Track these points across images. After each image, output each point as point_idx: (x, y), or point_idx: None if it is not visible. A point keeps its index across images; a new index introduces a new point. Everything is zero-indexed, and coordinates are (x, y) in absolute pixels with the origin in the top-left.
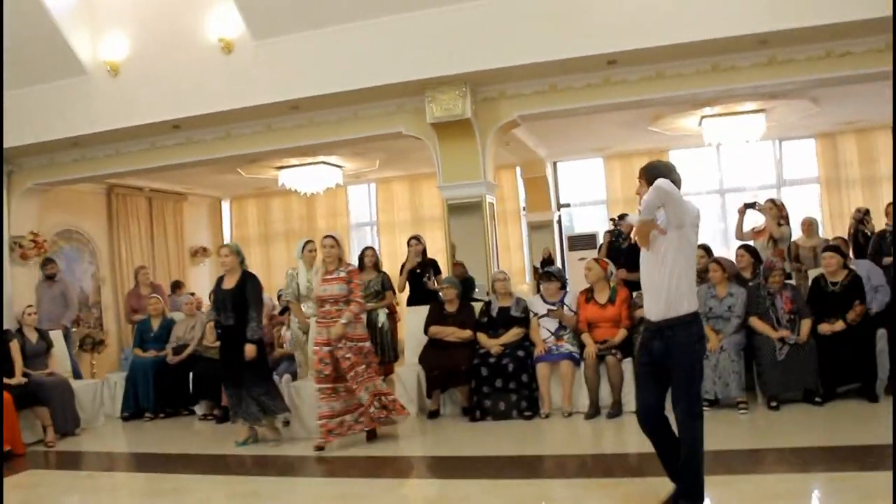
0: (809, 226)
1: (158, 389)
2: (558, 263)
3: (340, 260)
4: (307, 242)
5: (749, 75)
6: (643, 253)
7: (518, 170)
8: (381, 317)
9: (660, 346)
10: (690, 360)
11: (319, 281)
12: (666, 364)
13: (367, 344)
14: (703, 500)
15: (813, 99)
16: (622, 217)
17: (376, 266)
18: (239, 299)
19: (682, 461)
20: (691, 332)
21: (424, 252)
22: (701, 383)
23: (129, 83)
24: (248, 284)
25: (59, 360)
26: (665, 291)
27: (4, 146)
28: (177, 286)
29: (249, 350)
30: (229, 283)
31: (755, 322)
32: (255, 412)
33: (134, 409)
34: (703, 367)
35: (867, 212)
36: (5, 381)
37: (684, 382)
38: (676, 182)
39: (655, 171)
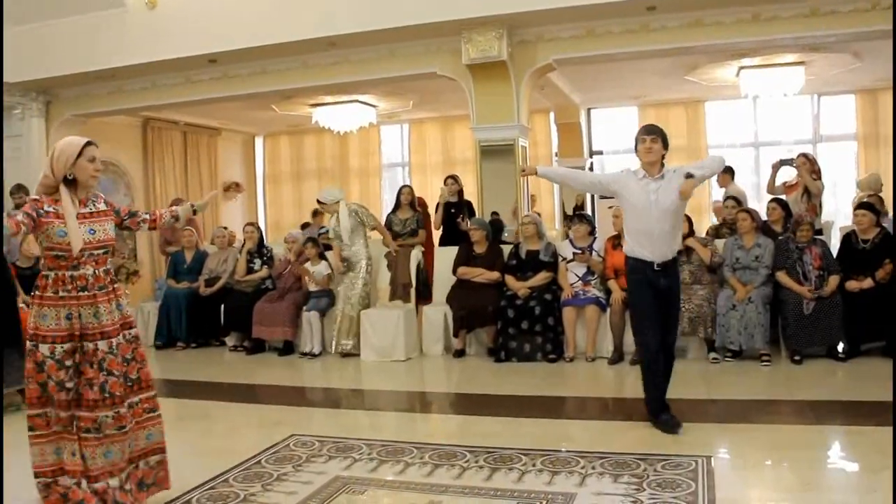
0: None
1: (190, 320)
2: (588, 210)
3: None
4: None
5: (790, 26)
6: (663, 206)
7: (552, 115)
8: (418, 254)
9: (666, 282)
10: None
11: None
12: (668, 297)
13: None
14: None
15: (855, 53)
16: None
17: (412, 204)
18: None
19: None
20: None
21: (461, 193)
22: None
23: (166, 16)
24: None
25: None
26: (672, 238)
27: (43, 76)
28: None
29: None
30: None
31: (781, 277)
32: None
33: (166, 338)
34: None
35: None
36: None
37: (678, 310)
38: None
39: (666, 135)
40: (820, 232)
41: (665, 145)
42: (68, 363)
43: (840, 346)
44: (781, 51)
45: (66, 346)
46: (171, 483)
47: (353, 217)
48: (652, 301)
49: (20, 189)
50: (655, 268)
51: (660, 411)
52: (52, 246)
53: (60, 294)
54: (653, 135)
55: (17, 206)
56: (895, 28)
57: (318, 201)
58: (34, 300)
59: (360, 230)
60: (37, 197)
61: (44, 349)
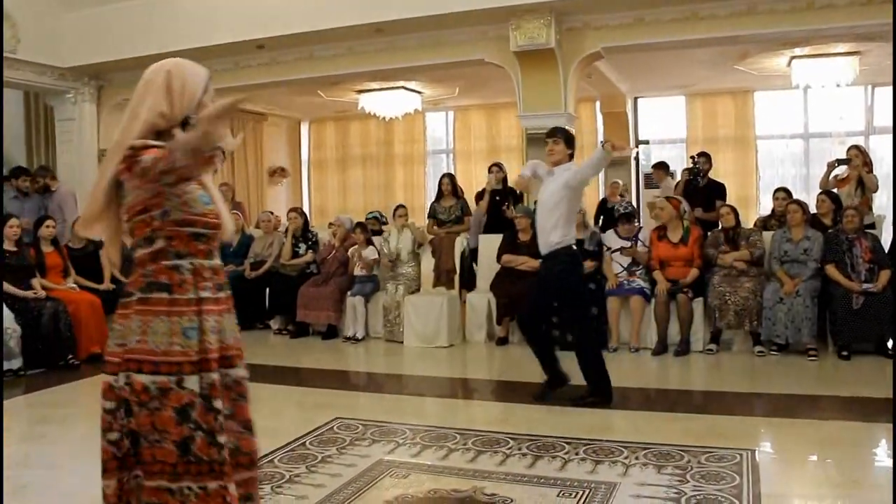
0: None
1: (236, 303)
2: (633, 200)
3: None
4: (398, 207)
5: (846, 14)
6: (543, 199)
7: (598, 104)
8: (463, 241)
9: (544, 271)
10: None
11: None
12: (548, 287)
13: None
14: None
15: None
16: (701, 155)
17: (455, 192)
18: None
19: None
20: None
21: (505, 180)
22: None
23: (216, 2)
24: None
25: None
26: (550, 230)
27: (96, 61)
28: None
29: None
30: None
31: (830, 270)
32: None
33: None
34: None
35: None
36: (95, 286)
37: (572, 308)
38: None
39: (570, 135)
40: (872, 226)
41: (568, 145)
42: (218, 404)
43: (889, 343)
44: (835, 40)
45: (214, 375)
46: None
47: (412, 240)
48: (538, 285)
49: (46, 171)
50: (541, 257)
51: (548, 385)
52: (192, 218)
53: (201, 296)
54: (554, 137)
55: (21, 191)
56: (895, 25)
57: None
58: (155, 306)
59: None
60: (136, 144)
61: (191, 384)
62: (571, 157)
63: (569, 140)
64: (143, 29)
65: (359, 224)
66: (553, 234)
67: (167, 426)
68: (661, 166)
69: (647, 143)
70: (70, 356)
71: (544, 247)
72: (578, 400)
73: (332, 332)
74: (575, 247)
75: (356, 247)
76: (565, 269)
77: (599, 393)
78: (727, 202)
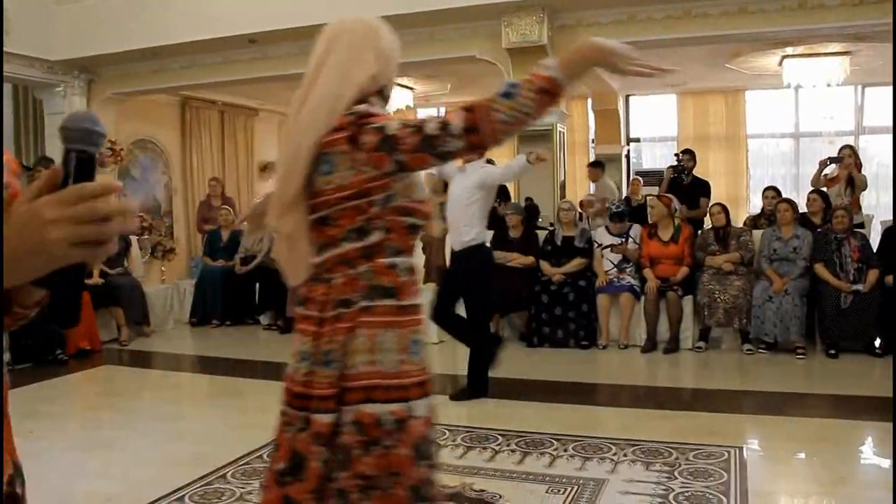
0: None
1: (226, 298)
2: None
3: None
4: None
5: (837, 14)
6: (455, 195)
7: (589, 101)
8: None
9: (457, 266)
10: None
11: None
12: (459, 283)
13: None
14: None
15: None
16: (685, 152)
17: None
18: None
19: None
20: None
21: None
22: None
23: None
24: None
25: (135, 261)
26: (464, 227)
27: (86, 55)
28: None
29: None
30: None
31: (819, 269)
32: None
33: (202, 315)
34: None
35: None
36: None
37: (474, 303)
38: None
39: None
40: (861, 226)
41: None
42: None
43: (877, 342)
44: (826, 40)
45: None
46: (215, 459)
47: None
48: (447, 279)
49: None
50: (453, 253)
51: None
52: (413, 206)
53: (414, 302)
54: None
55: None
56: (895, 24)
57: None
58: (382, 315)
59: None
60: (359, 110)
61: (421, 410)
62: (482, 154)
63: None
64: (134, 22)
65: None
66: (467, 232)
67: (403, 468)
68: (598, 164)
69: (637, 140)
70: (58, 351)
71: (458, 244)
72: (458, 395)
73: None
74: (488, 244)
75: None
76: (478, 268)
77: (476, 388)
78: (715, 200)
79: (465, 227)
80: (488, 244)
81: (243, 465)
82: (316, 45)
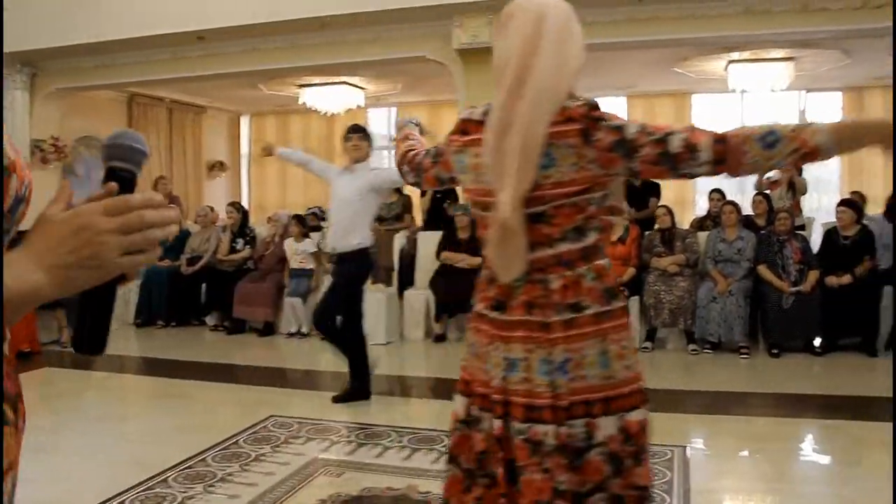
0: None
1: (171, 298)
2: None
3: None
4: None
5: (781, 21)
6: (341, 196)
7: None
8: (401, 238)
9: (335, 269)
10: None
11: None
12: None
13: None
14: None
15: (844, 51)
16: None
17: (398, 189)
18: None
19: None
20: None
21: None
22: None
23: None
24: None
25: None
26: (346, 231)
27: (28, 48)
28: None
29: None
30: None
31: (762, 270)
32: None
33: (147, 317)
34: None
35: None
36: None
37: (328, 300)
38: None
39: (371, 135)
40: (802, 227)
41: (371, 144)
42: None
43: (817, 341)
44: (771, 46)
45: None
46: (157, 462)
47: None
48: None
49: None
50: (334, 255)
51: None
52: (618, 206)
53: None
54: (360, 133)
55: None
56: (895, 25)
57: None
58: (620, 318)
59: None
60: (593, 103)
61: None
62: (369, 157)
63: (371, 139)
64: (79, 16)
65: (295, 216)
66: (353, 235)
67: (647, 478)
68: None
69: None
70: None
71: (341, 246)
72: (340, 398)
73: (268, 329)
74: (369, 248)
75: (291, 239)
76: (358, 272)
77: (360, 390)
78: (663, 202)
79: (350, 229)
80: (371, 249)
81: (185, 468)
82: (517, 23)
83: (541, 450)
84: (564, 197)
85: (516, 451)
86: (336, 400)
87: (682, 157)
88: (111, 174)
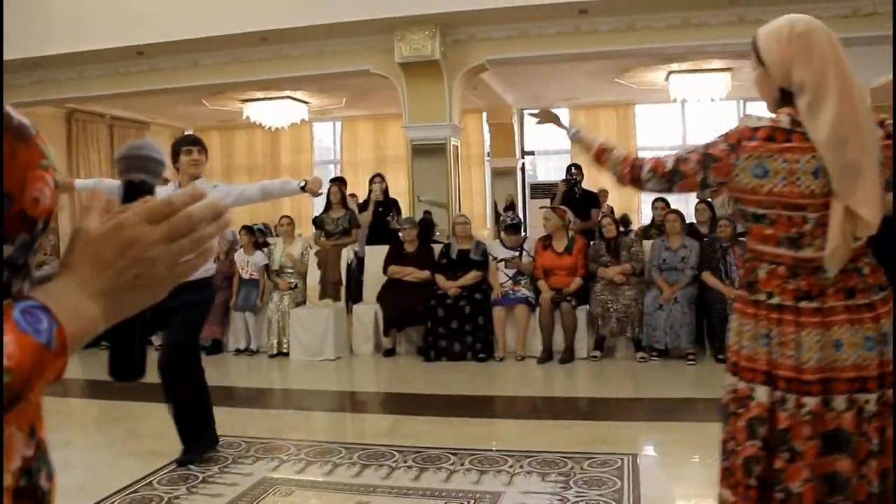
0: None
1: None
2: (520, 211)
3: None
4: (282, 218)
5: (718, 33)
6: None
7: (484, 115)
8: (349, 253)
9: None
10: None
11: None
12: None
13: None
14: None
15: None
16: (574, 167)
17: (343, 201)
18: None
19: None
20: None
21: (386, 192)
22: None
23: (91, 4)
24: None
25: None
26: None
27: None
28: None
29: None
30: None
31: (707, 277)
32: None
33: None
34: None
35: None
36: None
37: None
38: None
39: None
40: (744, 234)
41: (206, 157)
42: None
43: None
44: (710, 56)
45: None
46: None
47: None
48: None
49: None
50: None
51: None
52: None
53: None
54: (199, 146)
55: None
56: (895, 26)
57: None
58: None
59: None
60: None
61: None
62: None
63: (206, 153)
64: (14, 30)
65: (245, 227)
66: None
67: None
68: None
69: (532, 153)
70: None
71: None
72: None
73: (216, 347)
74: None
75: (241, 250)
76: (208, 300)
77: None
78: (608, 213)
79: None
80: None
81: (131, 493)
82: (824, 48)
83: (862, 416)
84: None
85: (843, 422)
86: (181, 463)
87: None
88: (130, 187)
